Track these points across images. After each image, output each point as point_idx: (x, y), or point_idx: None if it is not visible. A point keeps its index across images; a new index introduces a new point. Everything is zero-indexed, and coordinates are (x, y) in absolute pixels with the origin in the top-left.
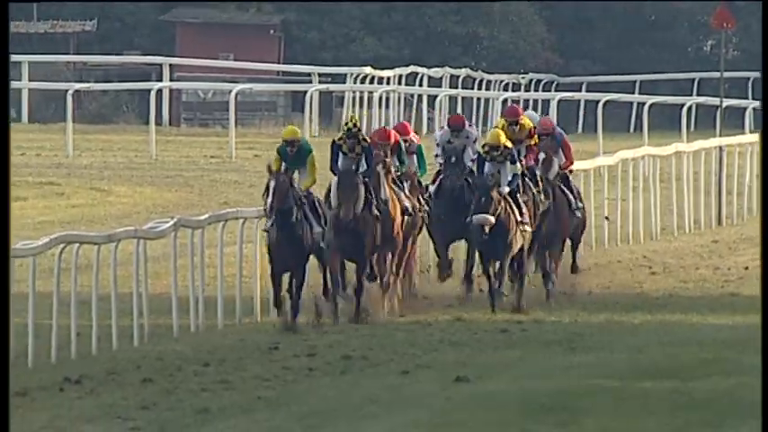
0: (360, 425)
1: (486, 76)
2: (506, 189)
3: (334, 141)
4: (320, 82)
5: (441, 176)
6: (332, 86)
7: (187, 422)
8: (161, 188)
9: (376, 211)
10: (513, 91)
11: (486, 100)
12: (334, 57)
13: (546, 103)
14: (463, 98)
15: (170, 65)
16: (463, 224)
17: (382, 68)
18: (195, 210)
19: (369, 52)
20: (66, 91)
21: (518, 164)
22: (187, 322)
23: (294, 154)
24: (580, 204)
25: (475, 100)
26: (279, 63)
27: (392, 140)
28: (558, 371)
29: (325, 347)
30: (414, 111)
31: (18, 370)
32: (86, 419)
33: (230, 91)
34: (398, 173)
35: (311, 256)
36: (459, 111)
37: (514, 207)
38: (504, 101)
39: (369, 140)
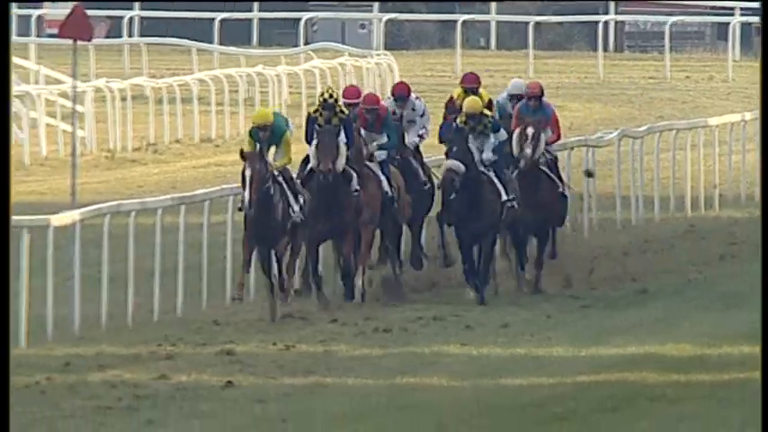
0: None
1: None
2: (490, 155)
3: (309, 115)
4: (741, 15)
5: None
6: (751, 18)
7: (628, 301)
8: (607, 104)
9: (356, 186)
10: None
11: None
12: None
13: None
14: None
15: (615, 0)
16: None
17: None
18: (635, 123)
19: None
20: (527, 23)
21: (502, 131)
22: (628, 216)
23: (267, 137)
24: (565, 188)
25: None
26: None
27: (379, 107)
28: None
29: (745, 237)
30: None
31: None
32: (544, 299)
33: (666, 22)
34: (383, 150)
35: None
36: None
37: (498, 184)
38: None
39: (346, 112)
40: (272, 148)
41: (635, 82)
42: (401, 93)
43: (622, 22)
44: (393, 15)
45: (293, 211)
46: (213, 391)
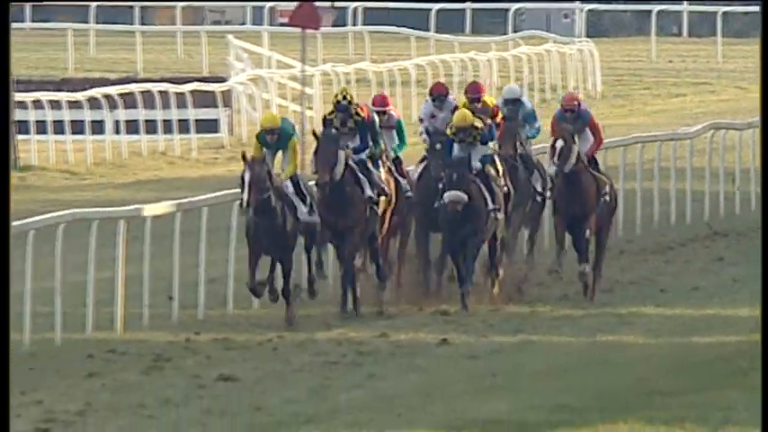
0: None
1: None
2: (478, 165)
3: (325, 117)
4: None
5: (424, 163)
6: None
7: None
8: None
9: (369, 192)
10: None
11: None
12: None
13: None
14: None
15: None
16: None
17: None
18: None
19: None
20: (716, 13)
21: (490, 144)
22: None
23: (275, 141)
24: (607, 188)
25: None
26: None
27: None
28: None
29: None
30: None
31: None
32: (699, 270)
33: None
34: (370, 154)
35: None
36: None
37: (485, 192)
38: None
39: (363, 115)
40: (279, 155)
41: None
42: (439, 92)
43: None
44: (594, 6)
45: (299, 214)
46: (429, 348)
